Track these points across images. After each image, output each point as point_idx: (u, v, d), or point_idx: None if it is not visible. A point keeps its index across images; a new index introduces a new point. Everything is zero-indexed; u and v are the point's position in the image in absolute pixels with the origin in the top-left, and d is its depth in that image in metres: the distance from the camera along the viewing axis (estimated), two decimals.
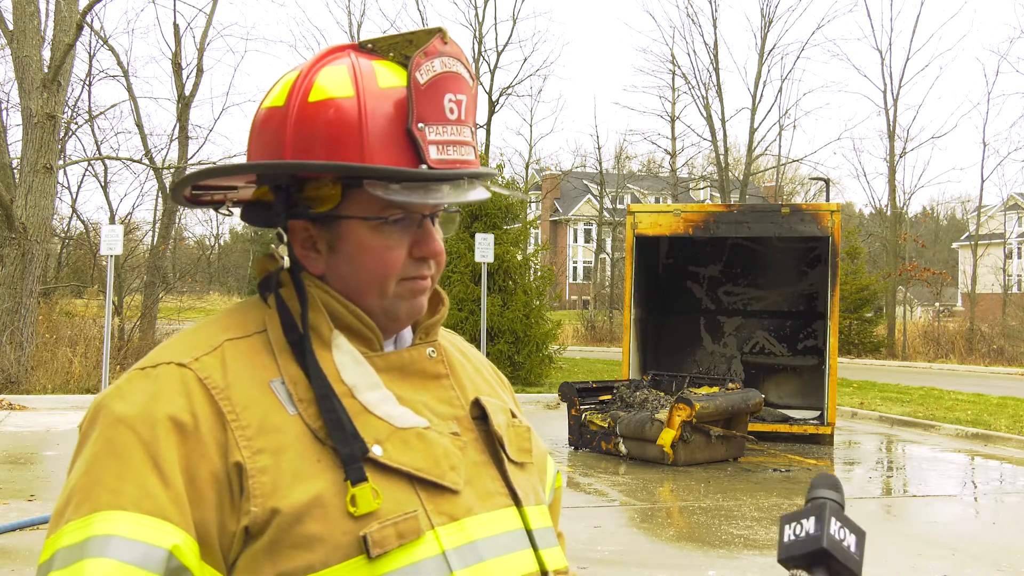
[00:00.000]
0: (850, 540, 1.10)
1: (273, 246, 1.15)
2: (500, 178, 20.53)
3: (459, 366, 1.26)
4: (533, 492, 1.23)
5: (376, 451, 1.08)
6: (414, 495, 1.09)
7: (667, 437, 9.87)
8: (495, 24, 37.67)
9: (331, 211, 1.13)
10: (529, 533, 1.17)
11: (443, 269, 1.22)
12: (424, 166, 1.10)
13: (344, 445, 1.07)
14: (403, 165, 1.10)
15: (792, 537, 1.11)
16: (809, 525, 1.10)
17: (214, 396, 1.07)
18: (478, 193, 1.14)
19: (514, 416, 1.27)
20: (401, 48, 1.14)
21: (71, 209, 26.21)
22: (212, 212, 1.27)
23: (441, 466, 1.12)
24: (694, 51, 47.73)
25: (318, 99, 1.11)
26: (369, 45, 1.16)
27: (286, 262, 1.14)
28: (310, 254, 1.16)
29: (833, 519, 1.10)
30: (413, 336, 1.22)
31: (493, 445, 1.20)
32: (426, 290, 1.20)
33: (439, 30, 1.13)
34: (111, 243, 13.96)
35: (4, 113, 23.41)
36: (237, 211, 1.24)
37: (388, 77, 1.13)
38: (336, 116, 1.10)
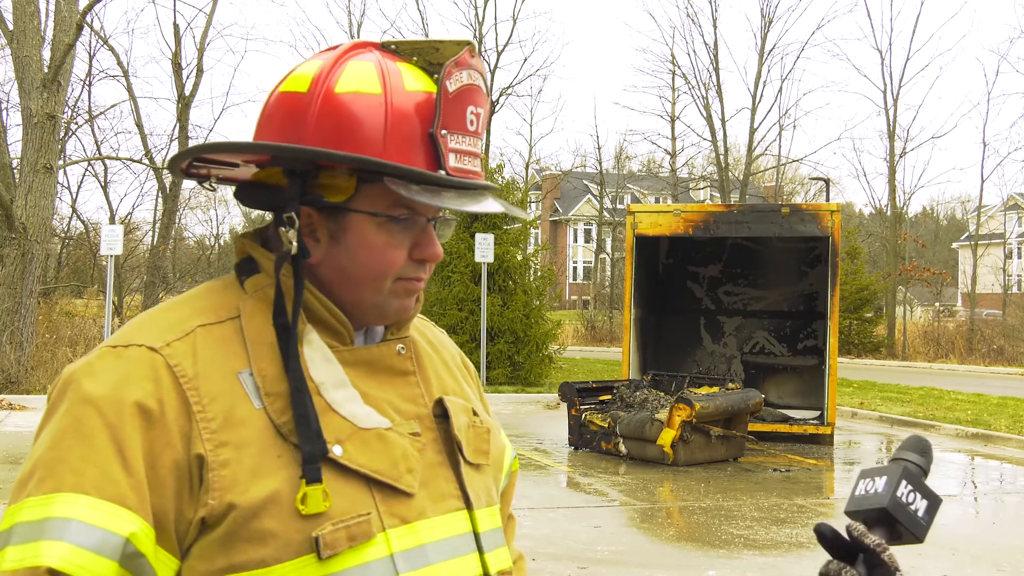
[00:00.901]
0: (920, 505, 1.11)
1: (282, 229, 1.13)
2: (500, 178, 20.55)
3: (427, 359, 1.27)
4: (486, 493, 1.25)
5: (336, 451, 1.10)
6: (369, 497, 1.11)
7: (667, 437, 9.87)
8: (495, 24, 37.71)
9: (343, 203, 1.14)
10: (477, 537, 1.20)
11: (435, 270, 1.24)
12: (442, 172, 1.12)
13: (306, 442, 1.08)
14: (421, 168, 1.12)
15: (863, 492, 1.13)
16: (880, 484, 1.12)
17: (182, 385, 1.08)
18: (490, 204, 1.16)
19: (475, 415, 1.29)
20: (426, 54, 1.16)
21: (71, 209, 26.25)
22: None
23: (399, 468, 1.13)
24: (694, 51, 47.83)
25: (345, 91, 1.12)
26: (392, 47, 1.17)
27: (294, 247, 1.12)
28: (308, 242, 1.16)
29: (904, 482, 1.11)
30: (385, 330, 1.24)
31: (451, 445, 1.22)
32: (418, 291, 1.21)
33: (468, 43, 1.15)
34: (111, 243, 13.98)
35: (4, 113, 23.44)
36: (221, 187, 1.23)
37: (412, 81, 1.14)
38: (362, 110, 1.11)
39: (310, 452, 1.08)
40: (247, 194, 1.21)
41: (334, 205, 1.14)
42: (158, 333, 1.12)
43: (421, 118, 1.12)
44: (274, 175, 1.16)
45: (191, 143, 22.40)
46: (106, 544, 1.01)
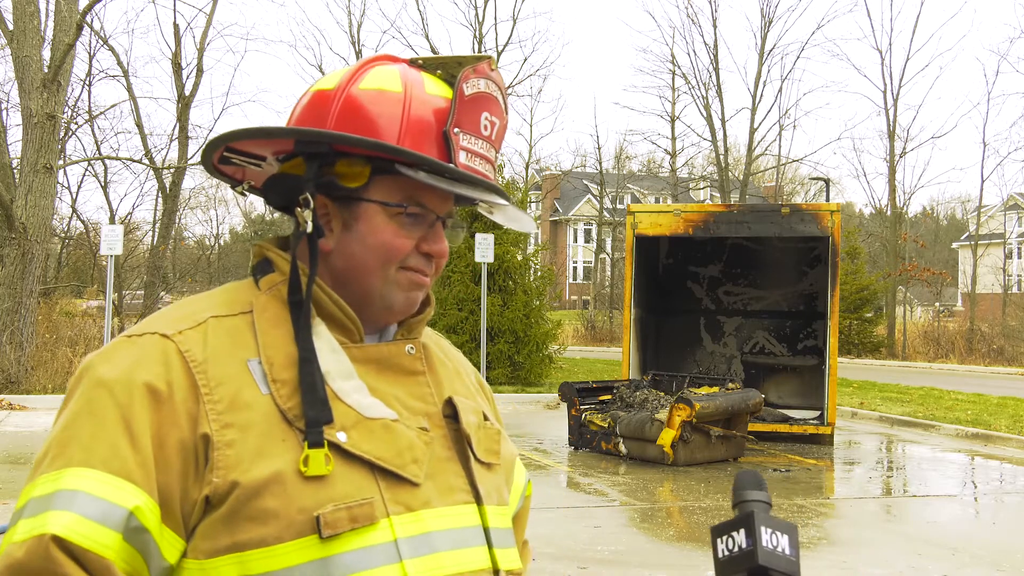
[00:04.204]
0: (783, 543, 1.08)
1: (299, 210, 1.18)
2: (500, 178, 20.56)
3: (439, 366, 1.30)
4: (497, 492, 1.26)
5: (340, 437, 1.12)
6: (374, 483, 1.13)
7: (667, 437, 9.87)
8: (495, 24, 37.79)
9: (356, 189, 1.19)
10: (486, 531, 1.21)
11: (441, 271, 1.29)
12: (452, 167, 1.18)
13: (311, 408, 1.11)
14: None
15: (726, 553, 1.08)
16: (741, 538, 1.07)
17: (191, 369, 1.12)
18: (495, 199, 1.23)
19: (486, 419, 1.31)
20: (450, 68, 1.23)
21: (71, 209, 26.24)
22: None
23: (403, 457, 1.15)
24: (694, 51, 47.88)
25: (368, 87, 1.20)
26: (420, 62, 1.26)
27: (309, 226, 1.17)
28: (323, 230, 1.21)
29: (763, 528, 1.07)
30: (396, 332, 1.27)
31: (461, 444, 1.24)
32: (424, 286, 1.26)
33: (488, 57, 1.23)
34: (111, 243, 13.97)
35: (4, 113, 23.42)
36: (251, 196, 1.29)
37: (433, 87, 1.22)
38: (382, 104, 1.19)
39: (314, 417, 1.11)
40: (272, 190, 1.26)
41: (348, 190, 1.19)
42: (172, 323, 1.17)
43: (438, 120, 1.19)
44: (297, 166, 1.21)
45: (191, 143, 22.43)
46: (110, 515, 1.05)
